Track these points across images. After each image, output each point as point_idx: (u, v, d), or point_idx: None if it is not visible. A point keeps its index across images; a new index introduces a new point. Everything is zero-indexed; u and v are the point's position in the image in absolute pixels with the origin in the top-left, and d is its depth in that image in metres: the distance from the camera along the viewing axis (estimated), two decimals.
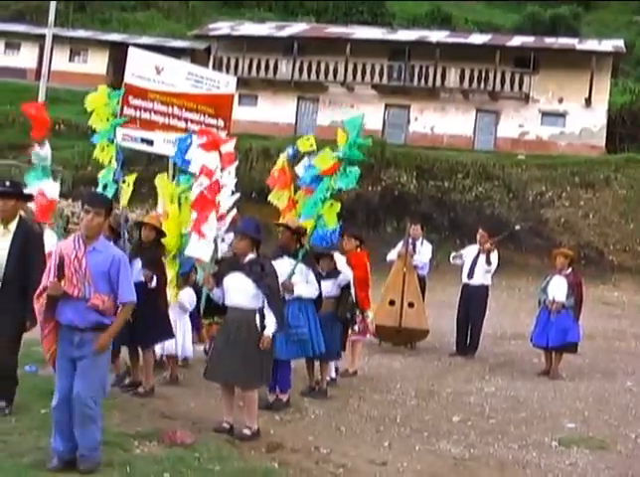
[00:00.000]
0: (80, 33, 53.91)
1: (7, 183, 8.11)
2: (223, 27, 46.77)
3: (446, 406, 10.74)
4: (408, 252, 14.94)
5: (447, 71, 40.52)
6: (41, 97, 40.75)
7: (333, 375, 11.43)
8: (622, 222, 30.88)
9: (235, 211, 9.88)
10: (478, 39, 43.88)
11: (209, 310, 9.19)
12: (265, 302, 8.23)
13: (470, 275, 14.72)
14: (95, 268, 6.50)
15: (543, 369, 13.51)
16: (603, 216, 31.17)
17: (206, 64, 40.30)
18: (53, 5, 41.07)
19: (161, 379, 10.41)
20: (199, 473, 6.81)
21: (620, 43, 41.38)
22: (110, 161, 10.51)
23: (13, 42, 53.82)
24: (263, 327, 8.19)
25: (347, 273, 10.77)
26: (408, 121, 41.68)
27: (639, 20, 65.67)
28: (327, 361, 10.80)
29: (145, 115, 12.30)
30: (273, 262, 9.43)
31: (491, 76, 39.89)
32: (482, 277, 14.69)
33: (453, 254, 15.24)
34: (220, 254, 9.84)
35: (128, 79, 12.33)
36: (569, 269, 13.46)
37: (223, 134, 11.23)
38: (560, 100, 39.83)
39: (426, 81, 40.99)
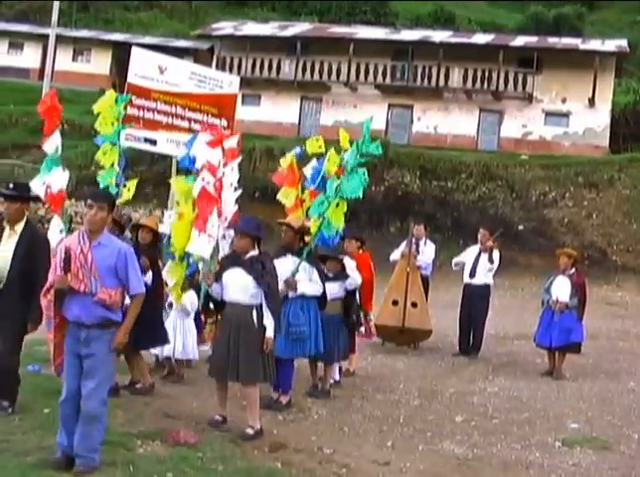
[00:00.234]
0: (84, 33, 53.95)
1: (11, 185, 8.12)
2: (226, 27, 46.79)
3: (449, 407, 10.73)
4: (412, 253, 14.93)
5: (451, 70, 40.51)
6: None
7: (337, 377, 11.40)
8: (626, 222, 30.83)
9: (236, 207, 9.81)
10: (481, 39, 43.87)
11: (207, 306, 9.22)
12: (264, 300, 8.26)
13: (472, 275, 14.71)
14: (101, 262, 6.53)
15: (546, 369, 13.49)
16: (607, 216, 31.13)
17: (209, 63, 40.33)
18: (56, 5, 41.11)
19: (161, 376, 10.45)
20: (202, 473, 6.81)
21: (624, 43, 41.35)
22: (113, 164, 10.48)
23: (16, 42, 53.84)
24: (262, 325, 8.23)
25: (356, 278, 10.81)
26: (412, 121, 41.68)
27: None
28: (331, 362, 10.80)
29: (148, 115, 12.34)
30: (276, 261, 9.47)
31: (494, 75, 39.87)
32: (484, 277, 14.67)
33: (455, 261, 15.17)
34: (221, 252, 9.81)
35: (131, 78, 12.37)
36: (573, 269, 13.45)
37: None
38: (564, 100, 39.81)
39: (430, 81, 40.99)
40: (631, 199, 31.41)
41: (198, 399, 9.46)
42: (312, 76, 42.34)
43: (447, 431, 9.46)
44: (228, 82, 13.45)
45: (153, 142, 12.64)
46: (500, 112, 40.77)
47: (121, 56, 41.27)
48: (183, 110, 12.56)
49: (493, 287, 15.19)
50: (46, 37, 46.08)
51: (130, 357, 9.73)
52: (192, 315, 10.71)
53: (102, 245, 6.59)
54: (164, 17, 63.05)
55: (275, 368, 9.21)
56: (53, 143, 10.14)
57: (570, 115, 39.77)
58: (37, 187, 9.96)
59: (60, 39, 47.03)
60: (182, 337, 10.49)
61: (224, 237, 9.45)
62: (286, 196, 11.07)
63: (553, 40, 43.04)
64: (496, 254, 14.62)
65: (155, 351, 10.57)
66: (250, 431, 8.22)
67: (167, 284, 10.07)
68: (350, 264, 10.87)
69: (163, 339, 9.95)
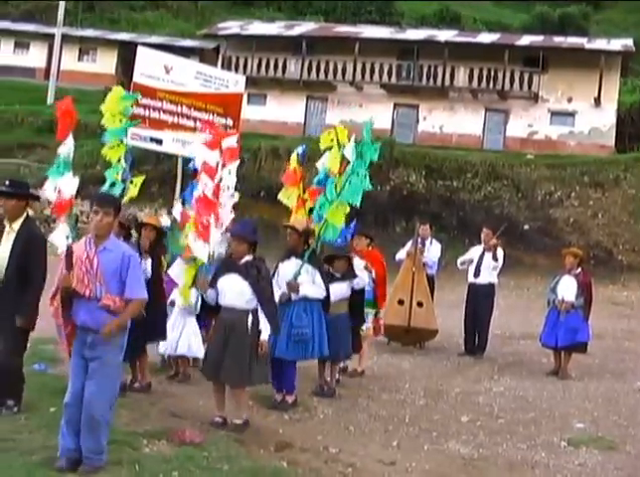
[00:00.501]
0: (89, 32, 54.01)
1: (7, 182, 8.11)
2: (232, 26, 46.78)
3: (455, 406, 10.73)
4: (418, 248, 14.94)
5: (456, 70, 40.45)
6: (50, 97, 40.98)
7: (336, 375, 11.42)
8: (631, 221, 30.76)
9: (233, 213, 9.75)
10: (487, 38, 43.80)
11: (203, 311, 9.27)
12: (259, 305, 8.31)
13: (476, 274, 14.69)
14: (107, 267, 6.54)
15: (552, 369, 13.48)
16: (612, 215, 31.07)
17: (215, 63, 40.36)
18: (62, 5, 41.23)
19: (167, 376, 10.47)
20: (208, 472, 6.82)
21: (629, 42, 41.26)
22: (119, 160, 10.49)
23: (22, 41, 53.94)
24: (257, 329, 8.26)
25: (364, 278, 10.82)
26: (417, 121, 41.62)
27: None
28: (337, 362, 10.83)
29: (154, 114, 12.35)
30: (281, 264, 9.51)
31: (500, 75, 39.79)
32: (488, 276, 14.66)
33: (460, 260, 15.14)
34: (216, 255, 9.78)
35: (137, 78, 12.38)
36: (579, 269, 13.43)
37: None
38: (570, 100, 39.74)
39: (435, 81, 40.93)
40: (637, 198, 31.32)
41: (204, 399, 9.45)
42: (318, 75, 42.31)
43: (453, 431, 9.46)
44: (233, 82, 13.46)
45: (159, 142, 12.65)
46: (505, 112, 40.70)
47: (127, 55, 41.29)
48: (189, 110, 12.57)
49: (498, 287, 15.18)
50: (52, 36, 46.26)
51: (134, 357, 9.75)
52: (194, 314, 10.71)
53: (108, 250, 6.61)
54: (170, 16, 63.09)
55: (279, 369, 9.28)
56: (67, 147, 10.15)
57: (576, 115, 39.70)
58: (49, 191, 9.98)
59: (65, 38, 47.20)
60: (186, 335, 10.48)
61: (220, 241, 9.42)
62: (287, 196, 11.08)
63: (558, 39, 42.98)
64: (500, 253, 14.61)
65: (161, 350, 10.57)
66: (239, 421, 8.38)
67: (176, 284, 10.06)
68: (357, 264, 10.88)
69: (161, 334, 9.93)
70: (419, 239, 15.25)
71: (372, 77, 41.53)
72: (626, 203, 31.33)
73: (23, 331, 7.92)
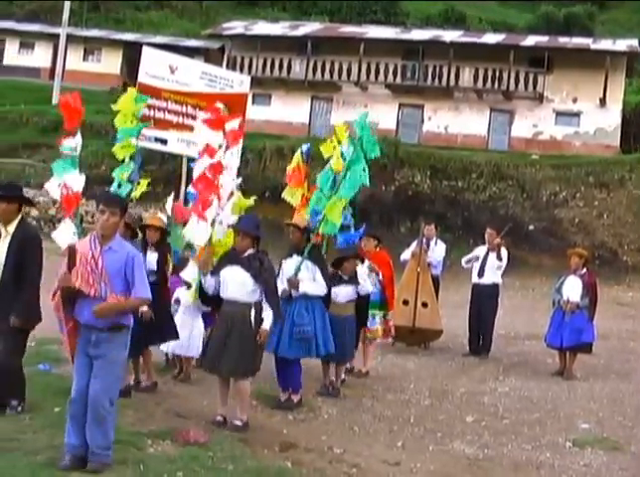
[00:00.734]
0: (94, 32, 54.13)
1: None
2: (237, 26, 46.81)
3: (460, 407, 10.73)
4: (422, 248, 14.93)
5: (461, 70, 40.44)
6: (54, 97, 41.01)
7: (342, 375, 11.41)
8: (637, 222, 30.73)
9: (235, 196, 9.64)
10: (492, 38, 43.80)
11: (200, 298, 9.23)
12: (263, 297, 8.35)
13: (480, 274, 14.68)
14: (111, 267, 6.55)
15: (557, 369, 13.47)
16: (618, 216, 31.05)
17: (220, 63, 40.34)
18: (67, 5, 41.28)
19: (172, 375, 10.47)
20: (212, 472, 6.81)
21: (634, 42, 41.23)
22: (124, 160, 10.47)
23: (27, 41, 54.08)
24: (259, 321, 8.30)
25: (367, 286, 10.83)
26: (422, 121, 41.62)
27: None
28: (343, 362, 10.84)
29: (159, 115, 12.33)
30: (284, 261, 9.54)
31: (505, 75, 39.78)
32: (493, 276, 14.64)
33: (465, 259, 15.11)
34: (215, 237, 9.66)
35: (142, 78, 12.37)
36: (584, 269, 13.42)
37: None
38: (575, 100, 39.70)
39: (440, 81, 40.90)
40: None
41: (208, 399, 9.45)
42: (323, 75, 42.32)
43: (458, 431, 9.45)
44: (238, 82, 13.44)
45: (164, 142, 12.64)
46: (511, 112, 40.68)
47: (132, 55, 41.42)
48: (193, 110, 12.54)
49: (503, 287, 15.18)
50: (56, 36, 46.31)
51: (137, 355, 9.74)
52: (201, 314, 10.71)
53: (113, 250, 6.61)
54: (175, 17, 63.22)
55: (284, 368, 9.29)
56: (72, 144, 10.11)
57: (581, 115, 39.66)
58: (52, 188, 9.96)
59: (70, 38, 47.25)
60: (197, 336, 10.47)
61: (220, 223, 9.32)
62: (292, 194, 11.06)
63: (563, 39, 42.94)
64: (504, 252, 14.59)
65: (165, 349, 10.57)
66: (239, 423, 8.37)
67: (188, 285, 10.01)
68: (362, 272, 10.88)
69: (173, 334, 9.93)
70: (424, 240, 15.24)
71: (377, 77, 41.51)
72: (631, 203, 31.30)
73: (22, 331, 7.91)
